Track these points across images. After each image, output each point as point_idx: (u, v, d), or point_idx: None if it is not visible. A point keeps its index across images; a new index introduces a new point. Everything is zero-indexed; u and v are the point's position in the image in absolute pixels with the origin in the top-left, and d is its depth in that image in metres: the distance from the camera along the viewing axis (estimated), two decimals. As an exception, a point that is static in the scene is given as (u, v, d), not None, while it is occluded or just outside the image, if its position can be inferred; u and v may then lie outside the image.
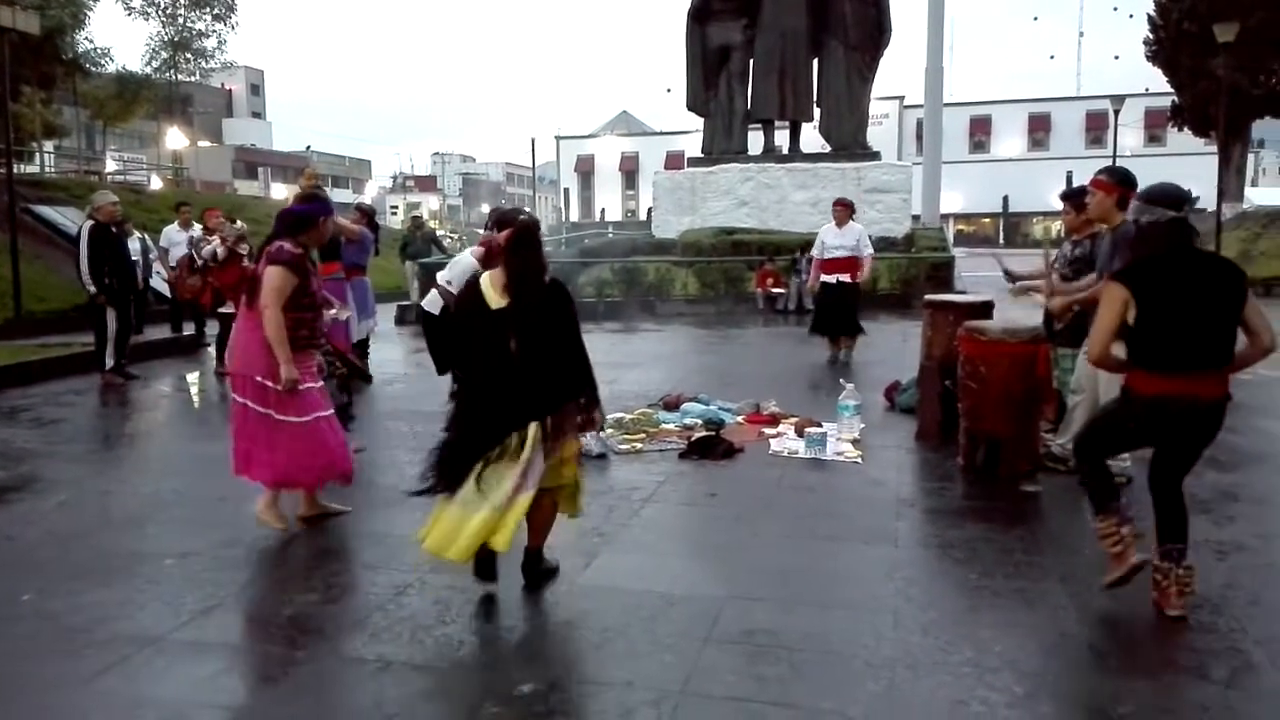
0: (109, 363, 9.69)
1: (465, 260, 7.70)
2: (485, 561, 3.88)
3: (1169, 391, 3.65)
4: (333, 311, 5.14)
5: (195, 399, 9.58)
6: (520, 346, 3.59)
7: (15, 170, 15.51)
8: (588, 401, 3.84)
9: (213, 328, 11.11)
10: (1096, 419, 4.21)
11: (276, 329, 4.61)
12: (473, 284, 3.76)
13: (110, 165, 41.00)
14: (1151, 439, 3.85)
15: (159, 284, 14.20)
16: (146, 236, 13.87)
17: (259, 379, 4.71)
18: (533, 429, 3.64)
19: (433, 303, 7.75)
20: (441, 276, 7.73)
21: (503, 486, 3.65)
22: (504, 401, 3.64)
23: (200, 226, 12.31)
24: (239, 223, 11.72)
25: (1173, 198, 3.75)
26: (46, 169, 31.06)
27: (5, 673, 3.42)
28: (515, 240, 3.68)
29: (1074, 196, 6.09)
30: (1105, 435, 3.99)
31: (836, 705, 3.09)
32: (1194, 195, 4.09)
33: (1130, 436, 3.97)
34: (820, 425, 6.77)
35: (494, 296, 3.68)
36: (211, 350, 11.25)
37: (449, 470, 3.72)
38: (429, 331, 7.92)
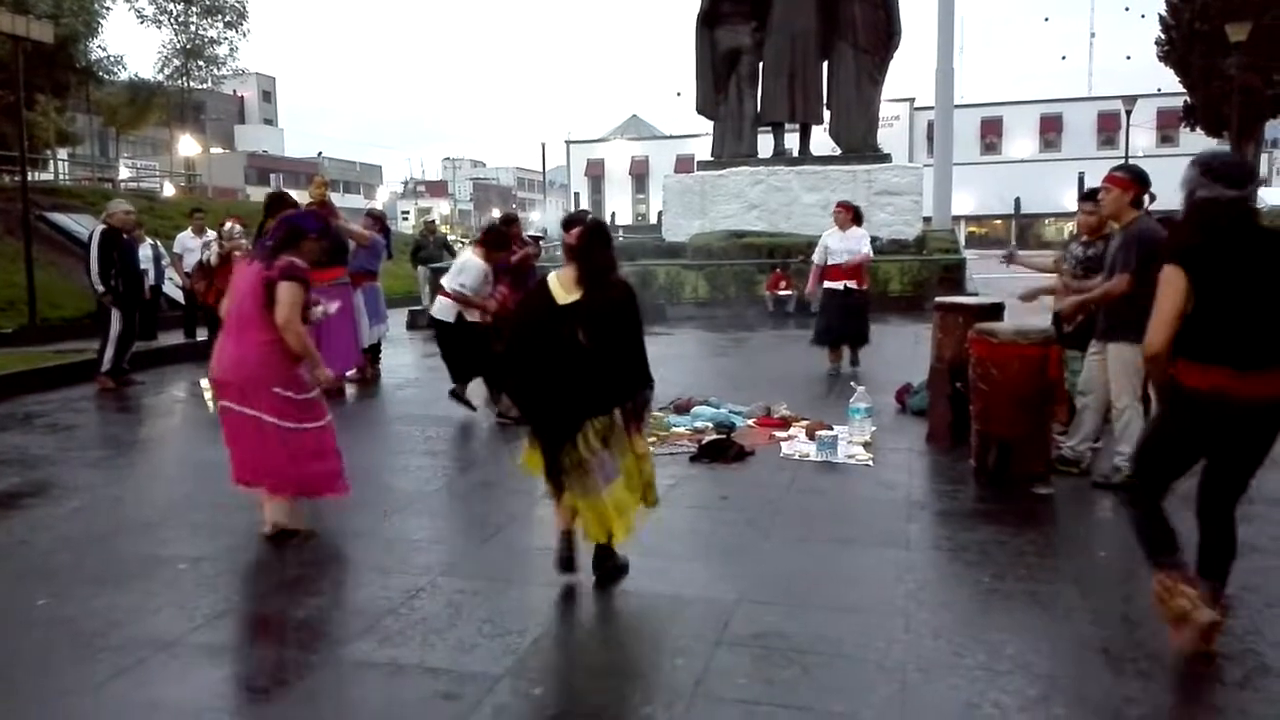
0: (106, 365, 9.68)
1: (475, 263, 7.73)
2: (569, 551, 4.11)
3: (1227, 388, 3.24)
4: (320, 308, 5.12)
5: (209, 404, 9.62)
6: (591, 338, 3.77)
7: (30, 178, 15.59)
8: (643, 397, 4.01)
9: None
10: (1144, 439, 3.71)
11: (301, 340, 4.70)
12: (540, 283, 3.98)
13: (124, 172, 41.23)
14: (1205, 447, 3.41)
15: (172, 290, 14.27)
16: (159, 243, 13.96)
17: (277, 390, 4.72)
18: (616, 414, 3.87)
19: (444, 310, 7.78)
20: (451, 281, 7.74)
21: (591, 478, 3.87)
22: (574, 392, 3.81)
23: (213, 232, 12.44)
24: (228, 224, 11.77)
25: (1235, 175, 3.34)
26: (61, 177, 31.24)
27: (19, 678, 3.44)
28: (588, 237, 3.87)
29: (1093, 197, 6.08)
30: (1157, 453, 3.52)
31: (848, 708, 3.09)
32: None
33: (1184, 447, 3.46)
34: (831, 428, 6.75)
35: (561, 293, 3.86)
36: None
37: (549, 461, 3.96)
38: (443, 340, 7.94)
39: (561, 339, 3.80)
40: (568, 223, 3.97)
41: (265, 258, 4.83)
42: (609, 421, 3.87)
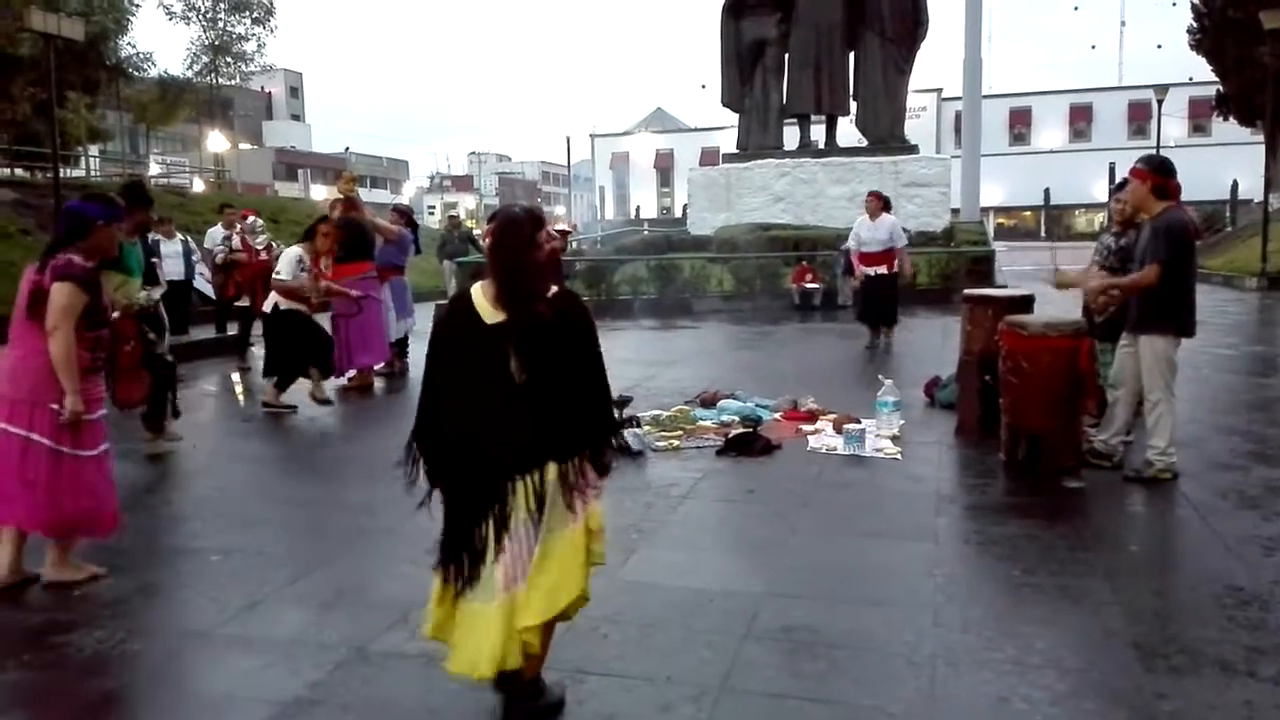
0: None
1: (288, 251, 8.22)
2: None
3: None
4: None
5: (240, 398, 9.72)
6: (526, 368, 2.81)
7: (61, 174, 15.78)
8: (602, 450, 2.97)
9: (257, 327, 11.27)
10: None
11: (65, 354, 4.05)
12: (462, 295, 2.97)
13: (153, 168, 41.69)
14: None
15: (203, 285, 14.39)
16: (189, 238, 14.09)
17: (55, 407, 4.08)
18: (552, 471, 2.84)
19: (269, 301, 8.22)
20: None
21: (512, 564, 2.85)
22: (506, 438, 2.84)
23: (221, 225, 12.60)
24: (251, 218, 11.86)
25: None
26: (92, 173, 31.62)
27: (53, 670, 3.49)
28: (498, 237, 2.89)
29: (1125, 188, 6.03)
30: None
31: (877, 702, 3.08)
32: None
33: None
34: (859, 421, 6.73)
35: (488, 309, 2.86)
36: (257, 350, 11.39)
37: (455, 544, 2.90)
38: (265, 329, 8.39)
39: (492, 366, 2.83)
40: (489, 218, 3.16)
41: (42, 257, 4.19)
42: (544, 481, 2.83)
